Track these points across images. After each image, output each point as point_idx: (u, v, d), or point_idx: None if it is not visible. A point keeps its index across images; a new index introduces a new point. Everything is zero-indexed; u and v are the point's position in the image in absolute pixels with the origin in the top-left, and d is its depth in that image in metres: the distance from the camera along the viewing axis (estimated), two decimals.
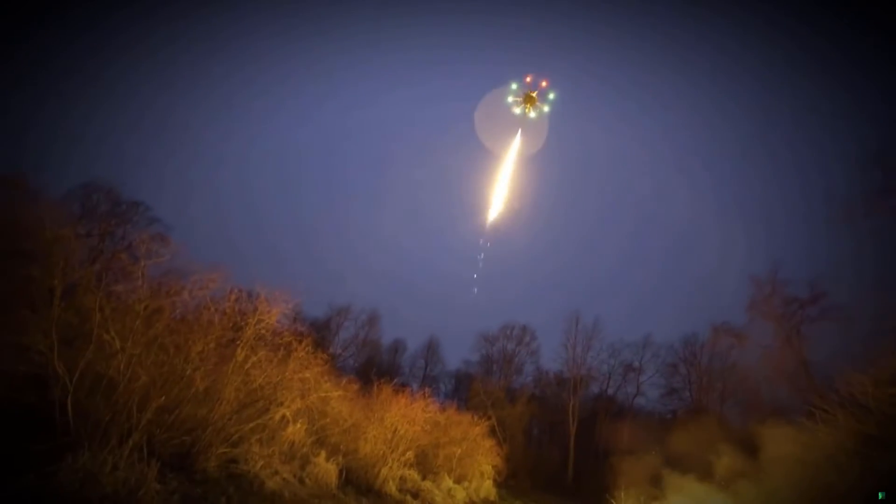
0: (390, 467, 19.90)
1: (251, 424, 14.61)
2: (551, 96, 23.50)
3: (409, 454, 21.31)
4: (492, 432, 27.45)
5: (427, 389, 23.83)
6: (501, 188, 26.54)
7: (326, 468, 16.95)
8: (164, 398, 12.03)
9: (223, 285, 14.98)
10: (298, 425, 16.51)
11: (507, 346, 43.39)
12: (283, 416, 15.82)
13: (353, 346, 41.85)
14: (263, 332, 15.35)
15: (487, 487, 25.42)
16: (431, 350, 44.40)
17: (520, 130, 26.05)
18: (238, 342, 14.72)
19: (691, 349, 39.77)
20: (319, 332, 34.77)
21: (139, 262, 14.86)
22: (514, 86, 23.82)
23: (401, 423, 20.78)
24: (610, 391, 42.60)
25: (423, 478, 22.64)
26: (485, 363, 43.41)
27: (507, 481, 27.79)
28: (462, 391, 41.94)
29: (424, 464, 23.07)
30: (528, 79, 23.59)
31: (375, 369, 33.00)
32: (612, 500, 27.23)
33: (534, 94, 23.65)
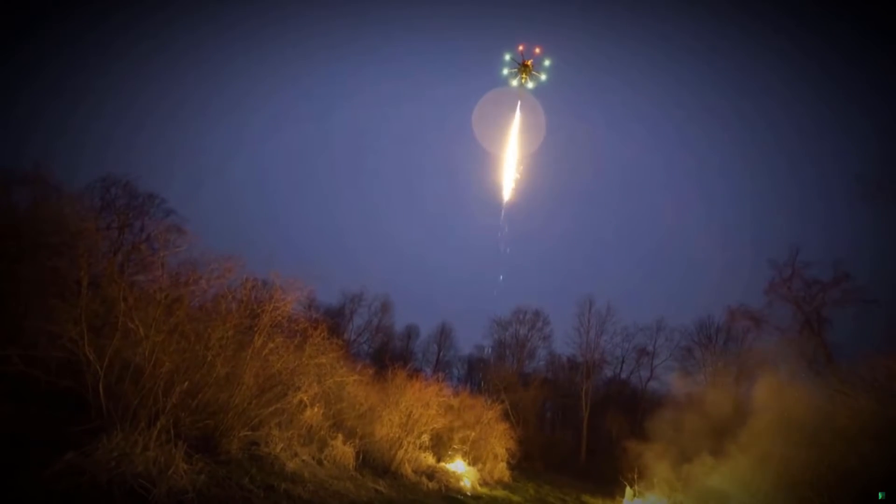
0: (406, 450, 20.39)
1: (270, 408, 15.11)
2: (547, 63, 22.74)
3: (425, 437, 21.79)
4: (505, 416, 27.85)
5: (440, 374, 24.22)
6: (510, 169, 25.95)
7: (344, 450, 17.46)
8: (187, 383, 12.51)
9: (239, 274, 15.42)
10: (316, 409, 17.00)
11: (520, 330, 43.61)
12: (301, 401, 16.31)
13: (367, 332, 42.56)
14: (279, 319, 15.77)
15: (501, 469, 25.90)
16: (444, 335, 44.87)
17: (518, 104, 25.17)
18: (255, 329, 15.15)
19: (706, 332, 39.44)
20: (334, 319, 35.39)
21: (158, 253, 15.34)
22: (507, 56, 23.00)
23: (415, 407, 21.24)
24: (623, 375, 42.69)
25: (439, 460, 23.16)
26: (498, 348, 43.74)
27: (521, 464, 28.25)
28: (475, 376, 42.42)
29: (439, 446, 23.58)
30: (521, 47, 22.75)
31: (389, 355, 33.52)
32: (626, 483, 27.47)
33: (529, 63, 22.83)
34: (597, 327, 40.75)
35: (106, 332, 13.08)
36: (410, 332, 45.02)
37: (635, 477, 27.33)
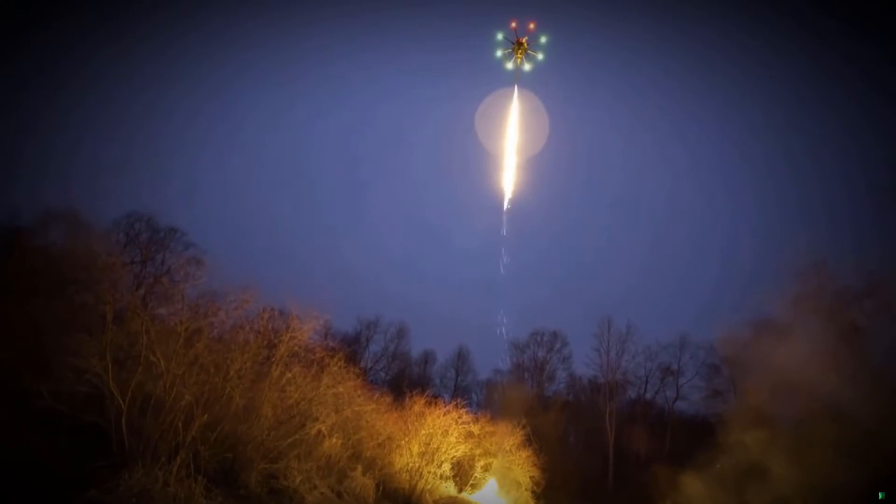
0: (426, 480, 19.91)
1: (289, 440, 15.01)
2: (543, 40, 20.46)
3: (445, 466, 21.28)
4: (527, 441, 27.05)
5: (459, 400, 23.71)
6: (510, 168, 23.49)
7: (363, 482, 17.15)
8: (206, 416, 12.57)
9: (256, 304, 15.62)
10: (334, 440, 16.82)
11: (538, 353, 42.71)
12: (319, 431, 16.17)
13: (384, 358, 42.26)
14: (296, 348, 15.84)
15: (526, 499, 25.00)
16: (461, 360, 44.22)
17: (515, 88, 22.00)
18: (273, 359, 15.23)
19: (732, 348, 38.07)
20: (350, 347, 35.30)
21: (178, 285, 15.69)
22: (499, 36, 20.63)
23: (435, 435, 20.82)
24: (648, 395, 41.24)
25: (460, 490, 22.51)
26: (516, 371, 42.85)
27: (545, 492, 27.24)
28: (494, 401, 41.49)
29: (461, 475, 22.95)
30: (514, 24, 20.45)
31: (406, 381, 33.13)
32: None
33: (524, 41, 20.47)
34: (617, 347, 39.67)
35: (129, 366, 13.32)
36: (427, 358, 44.54)
37: None
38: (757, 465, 22.40)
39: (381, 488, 17.94)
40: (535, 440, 27.19)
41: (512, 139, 22.87)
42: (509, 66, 21.29)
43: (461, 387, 43.46)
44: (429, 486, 19.88)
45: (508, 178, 23.49)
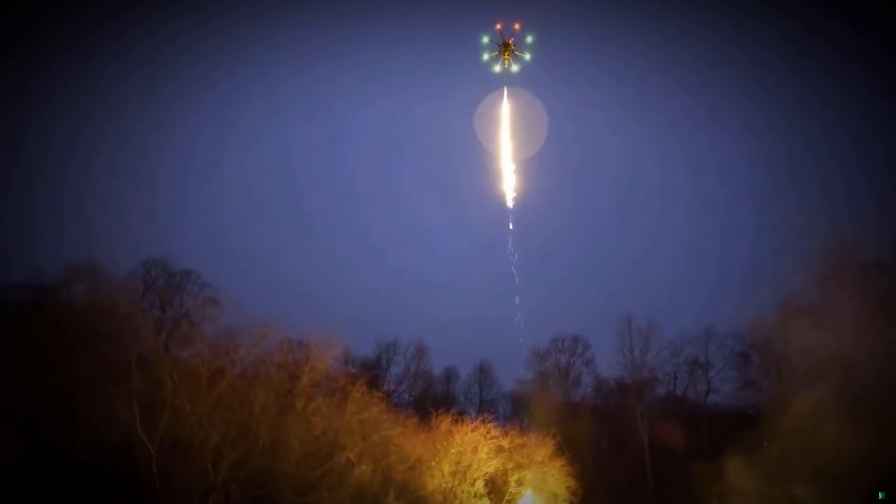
0: (460, 500, 19.54)
1: (319, 471, 14.96)
2: (529, 39, 20.34)
3: (479, 484, 20.88)
4: (559, 450, 26.45)
5: (485, 415, 23.35)
6: (508, 171, 23.18)
7: None
8: (234, 454, 12.63)
9: (274, 338, 15.78)
10: (364, 467, 16.68)
11: (561, 359, 41.93)
12: (348, 460, 16.07)
13: (406, 380, 41.91)
14: (318, 378, 15.89)
15: None
16: (483, 374, 43.63)
17: (505, 90, 23.04)
18: (295, 391, 15.30)
19: (761, 334, 36.90)
20: (371, 371, 35.19)
21: (197, 327, 15.95)
22: (485, 39, 20.61)
23: (464, 452, 20.51)
24: (678, 392, 40.04)
25: None
26: (540, 380, 42.11)
27: (584, 501, 26.48)
28: (521, 412, 40.80)
29: (495, 492, 22.47)
30: (499, 26, 20.39)
31: (431, 401, 32.76)
32: None
33: (510, 42, 20.43)
34: (640, 345, 38.60)
35: (156, 411, 13.50)
36: (450, 375, 44.04)
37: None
38: (804, 449, 21.45)
39: None
40: (567, 448, 26.55)
41: (506, 141, 22.82)
42: (497, 68, 21.35)
43: (486, 401, 42.73)
44: None
45: (508, 180, 23.31)
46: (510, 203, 22.37)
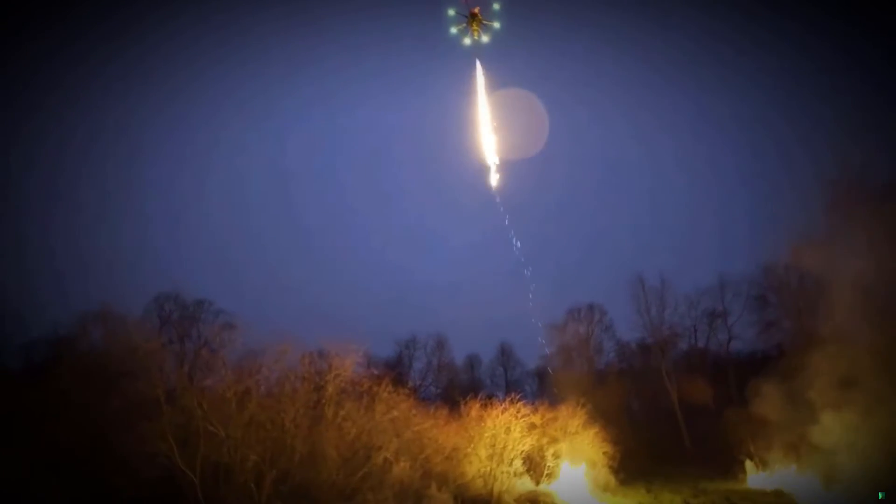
0: (501, 481, 19.80)
1: (359, 474, 15.19)
2: (496, 6, 19.63)
3: (516, 463, 21.12)
4: (591, 419, 26.66)
5: (513, 395, 23.52)
6: (489, 147, 22.55)
7: (441, 498, 17.20)
8: (274, 471, 12.84)
9: (294, 352, 15.94)
10: (402, 464, 16.92)
11: (580, 328, 42.07)
12: (386, 459, 16.31)
13: (430, 373, 42.33)
14: (343, 384, 16.06)
15: (605, 476, 24.60)
16: (506, 355, 43.95)
17: (477, 62, 20.89)
18: (323, 401, 15.49)
19: (776, 275, 36.62)
20: (394, 370, 35.54)
21: (218, 353, 16.14)
22: (451, 12, 20.02)
23: (498, 435, 20.72)
24: (700, 344, 40.14)
25: (537, 483, 22.29)
26: (562, 352, 42.32)
27: (623, 464, 26.75)
28: (547, 387, 41.08)
29: (533, 468, 22.74)
30: None
31: (457, 390, 33.08)
32: (745, 457, 25.33)
33: (476, 11, 19.85)
34: (656, 304, 38.69)
35: (191, 440, 13.74)
36: (472, 362, 44.45)
37: (752, 449, 25.21)
38: (832, 370, 21.27)
39: (459, 500, 17.93)
40: (599, 416, 26.73)
41: (484, 115, 22.32)
42: (466, 41, 20.81)
43: (512, 381, 43.16)
44: (505, 487, 19.77)
45: (490, 154, 22.81)
46: (493, 180, 21.87)
